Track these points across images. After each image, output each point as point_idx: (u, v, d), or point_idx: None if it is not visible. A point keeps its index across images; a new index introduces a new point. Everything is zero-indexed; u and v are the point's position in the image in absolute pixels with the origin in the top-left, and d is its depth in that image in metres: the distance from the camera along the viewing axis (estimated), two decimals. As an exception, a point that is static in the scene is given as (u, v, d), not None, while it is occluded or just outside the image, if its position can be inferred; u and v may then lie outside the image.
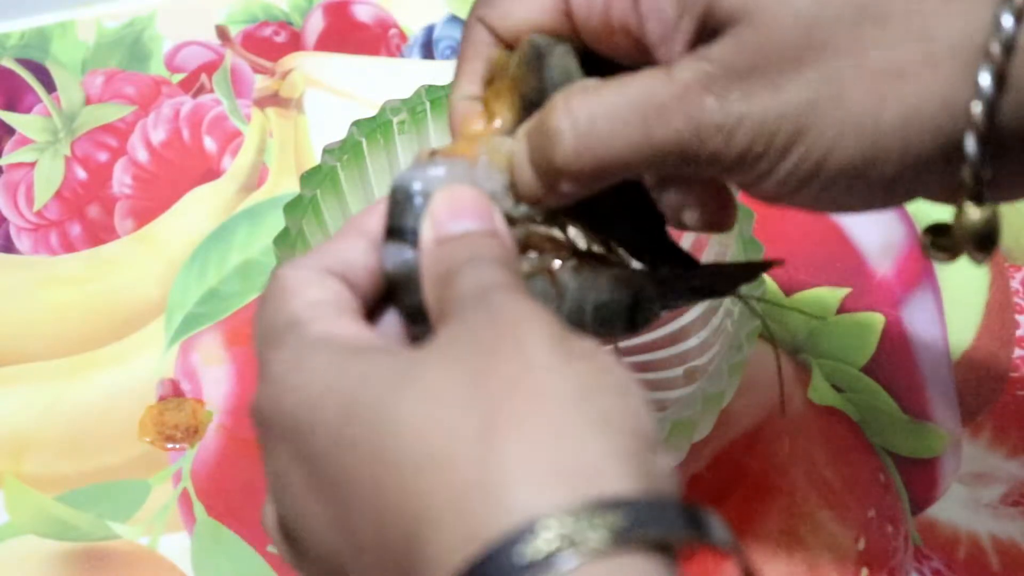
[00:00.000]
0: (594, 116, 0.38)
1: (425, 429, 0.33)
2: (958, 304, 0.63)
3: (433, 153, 0.40)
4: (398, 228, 0.38)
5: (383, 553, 0.33)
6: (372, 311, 0.40)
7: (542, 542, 0.30)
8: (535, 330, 0.34)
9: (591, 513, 0.30)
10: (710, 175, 0.39)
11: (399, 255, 0.38)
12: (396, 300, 0.39)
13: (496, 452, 0.32)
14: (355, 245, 0.39)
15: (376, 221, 0.39)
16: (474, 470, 0.31)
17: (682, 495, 0.34)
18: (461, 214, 0.38)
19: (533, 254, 0.41)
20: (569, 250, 0.41)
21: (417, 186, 0.39)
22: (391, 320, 0.39)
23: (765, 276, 0.57)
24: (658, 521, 0.31)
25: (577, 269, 0.41)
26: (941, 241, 0.39)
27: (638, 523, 0.31)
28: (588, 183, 0.39)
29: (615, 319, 0.42)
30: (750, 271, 0.46)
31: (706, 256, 0.57)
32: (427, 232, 0.38)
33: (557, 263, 0.41)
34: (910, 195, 0.38)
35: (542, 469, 0.31)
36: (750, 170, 0.37)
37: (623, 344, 0.59)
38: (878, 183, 0.37)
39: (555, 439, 0.32)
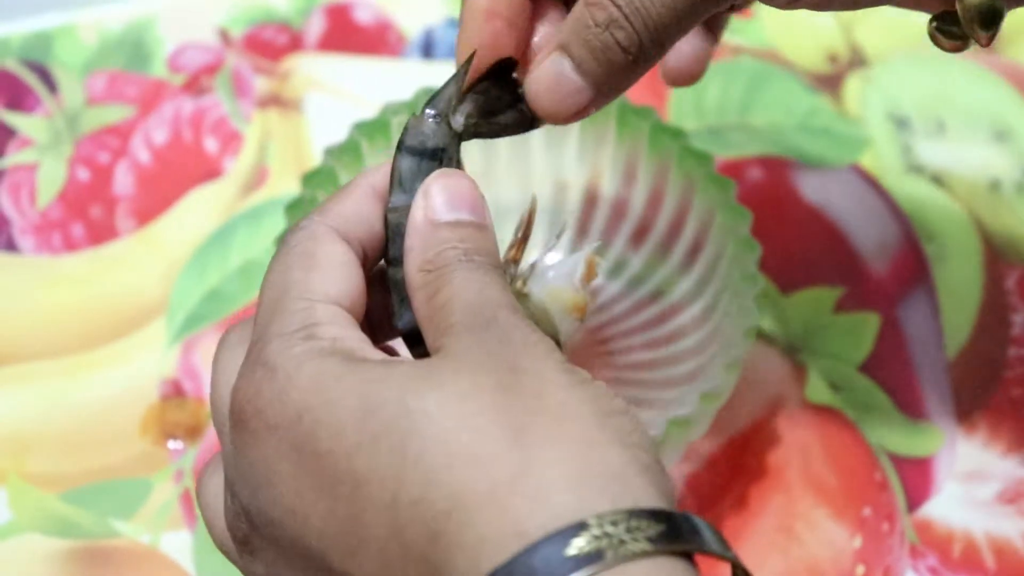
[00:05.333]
0: None
1: (454, 428, 0.34)
2: (953, 303, 0.63)
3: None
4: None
5: (392, 545, 0.34)
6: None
7: (585, 540, 0.32)
8: (546, 353, 0.35)
9: (628, 520, 0.32)
10: None
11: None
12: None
13: (530, 457, 0.33)
14: (369, 207, 0.40)
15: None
16: (510, 471, 0.33)
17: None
18: (458, 203, 0.39)
19: None
20: None
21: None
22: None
23: (762, 276, 0.57)
24: (686, 533, 0.33)
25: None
26: (947, 27, 0.41)
27: (670, 533, 0.32)
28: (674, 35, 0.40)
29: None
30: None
31: (705, 255, 0.57)
32: (418, 211, 0.39)
33: None
34: None
35: (577, 476, 0.33)
36: None
37: (621, 345, 0.60)
38: None
39: (584, 450, 0.33)
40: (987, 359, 0.62)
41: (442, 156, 0.41)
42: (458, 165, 0.42)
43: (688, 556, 0.33)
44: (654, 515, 0.33)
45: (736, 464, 0.58)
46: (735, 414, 0.59)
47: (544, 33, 0.42)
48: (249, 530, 0.37)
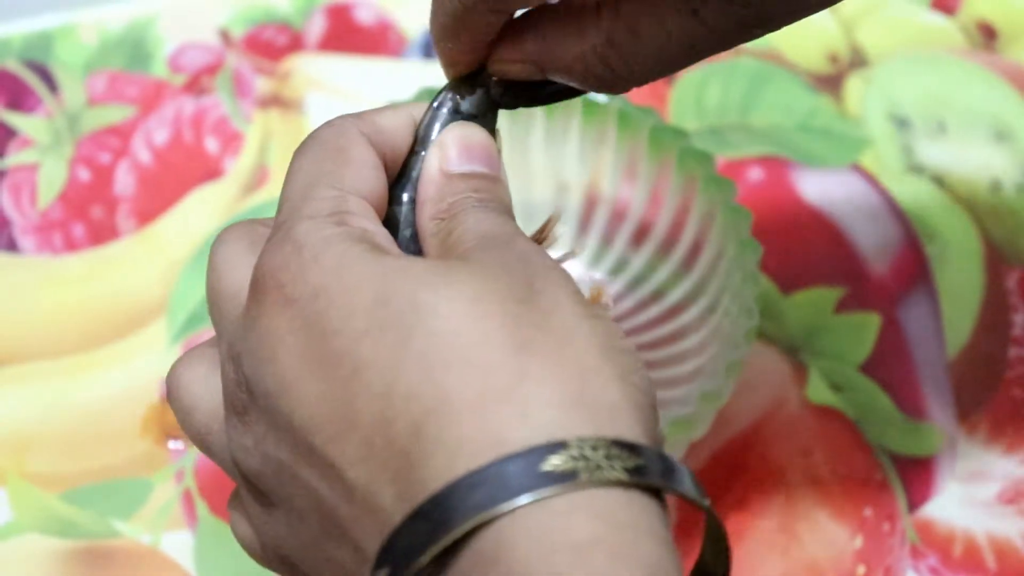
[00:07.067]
0: None
1: (460, 329, 0.34)
2: (954, 303, 0.63)
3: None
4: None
5: (378, 436, 0.34)
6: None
7: (561, 460, 0.32)
8: (563, 280, 0.36)
9: (608, 448, 0.33)
10: None
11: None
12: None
13: (527, 370, 0.33)
14: (404, 129, 0.41)
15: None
16: (504, 381, 0.33)
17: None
18: (472, 155, 0.40)
19: None
20: None
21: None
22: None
23: (762, 276, 0.57)
24: (664, 474, 0.33)
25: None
26: None
27: (648, 470, 0.33)
28: None
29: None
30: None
31: (705, 256, 0.57)
32: (433, 160, 0.39)
33: None
34: None
35: (568, 398, 0.33)
36: None
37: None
38: None
39: (582, 375, 0.34)
40: (988, 359, 0.62)
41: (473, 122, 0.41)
42: (492, 135, 0.42)
43: (661, 498, 0.33)
44: (635, 449, 0.33)
45: (737, 464, 0.59)
46: (736, 414, 0.59)
47: None
48: (248, 401, 0.37)
